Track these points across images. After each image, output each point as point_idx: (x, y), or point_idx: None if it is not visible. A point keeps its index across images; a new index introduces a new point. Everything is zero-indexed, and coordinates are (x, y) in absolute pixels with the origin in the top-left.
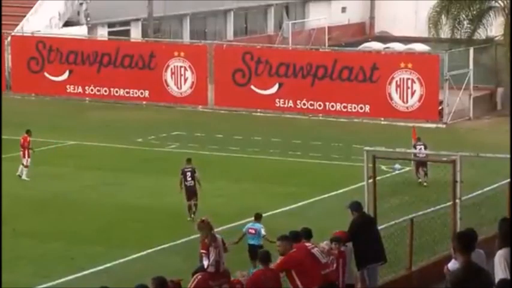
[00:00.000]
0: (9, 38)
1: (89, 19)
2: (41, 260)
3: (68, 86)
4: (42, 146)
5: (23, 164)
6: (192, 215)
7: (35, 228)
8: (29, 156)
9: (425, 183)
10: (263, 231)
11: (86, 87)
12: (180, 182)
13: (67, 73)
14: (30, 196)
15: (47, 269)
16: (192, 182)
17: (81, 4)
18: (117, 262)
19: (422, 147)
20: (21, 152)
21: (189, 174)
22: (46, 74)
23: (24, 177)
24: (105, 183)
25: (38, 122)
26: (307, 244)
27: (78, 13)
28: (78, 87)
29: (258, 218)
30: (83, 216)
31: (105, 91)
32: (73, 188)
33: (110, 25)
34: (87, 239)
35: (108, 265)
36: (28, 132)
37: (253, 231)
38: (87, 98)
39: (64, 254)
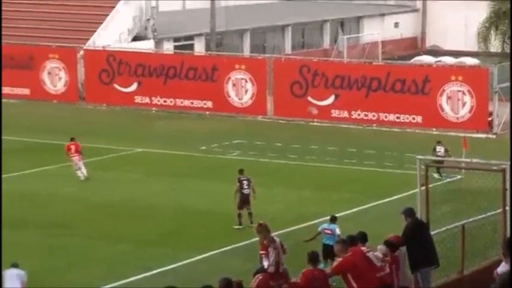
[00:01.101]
0: (82, 52)
1: (155, 34)
2: (111, 261)
3: (136, 97)
4: (112, 153)
5: (79, 168)
6: (250, 223)
7: (106, 231)
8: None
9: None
10: (338, 231)
11: (153, 98)
12: (236, 190)
13: (135, 85)
14: (101, 201)
15: (117, 270)
16: (248, 190)
17: (148, 20)
18: (182, 263)
19: (442, 149)
20: (76, 157)
21: (245, 182)
22: (116, 86)
23: (82, 178)
24: (171, 188)
25: (108, 130)
26: (362, 248)
27: (146, 28)
28: (145, 98)
29: (333, 219)
30: (151, 219)
31: (171, 102)
32: (141, 193)
33: (175, 40)
34: (155, 241)
35: (174, 266)
36: (74, 139)
37: (329, 232)
38: (153, 108)
39: (132, 256)
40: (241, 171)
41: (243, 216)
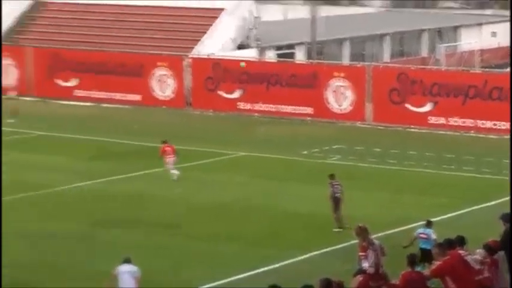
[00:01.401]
0: (189, 60)
1: (258, 43)
2: (214, 260)
3: (239, 103)
4: (217, 157)
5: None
6: (346, 225)
7: (210, 231)
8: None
9: None
10: (433, 236)
11: (256, 104)
12: (331, 195)
13: (239, 91)
14: (207, 202)
15: (220, 269)
16: (340, 194)
17: (251, 29)
18: (284, 263)
19: None
20: (172, 159)
21: (338, 187)
22: (220, 92)
23: (175, 178)
24: (274, 191)
25: (214, 135)
26: (460, 251)
27: (249, 37)
28: (248, 104)
29: (429, 224)
30: (254, 221)
31: (273, 108)
32: (244, 195)
33: (278, 48)
34: (257, 242)
35: (276, 266)
36: (167, 141)
37: (424, 236)
38: (256, 114)
39: (236, 256)
40: (332, 176)
41: (340, 219)
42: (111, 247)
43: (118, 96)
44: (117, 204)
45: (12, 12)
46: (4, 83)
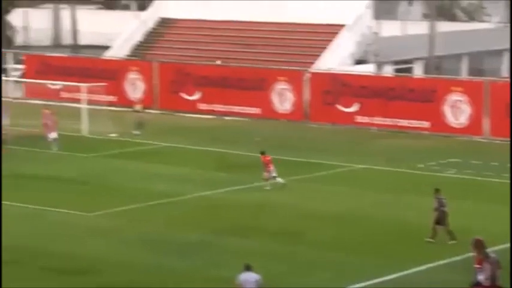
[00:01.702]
0: (308, 74)
1: (377, 57)
2: (333, 268)
3: (357, 117)
4: (336, 169)
5: (267, 178)
6: (451, 240)
7: (330, 239)
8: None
9: None
10: None
11: (373, 118)
12: (435, 208)
13: (357, 105)
14: (327, 211)
15: (340, 277)
16: (446, 208)
17: (370, 45)
18: (399, 274)
19: None
20: (272, 168)
21: (444, 201)
22: (338, 106)
23: (268, 187)
24: (388, 203)
25: (331, 147)
26: None
27: (367, 52)
28: (366, 118)
29: None
30: (369, 231)
31: (391, 121)
32: (360, 205)
33: (396, 63)
34: (373, 252)
35: (392, 276)
36: (264, 152)
37: None
38: (374, 127)
39: (353, 264)
40: (437, 191)
41: (439, 233)
42: (232, 254)
43: (239, 109)
44: (238, 213)
45: (141, 28)
46: (131, 96)
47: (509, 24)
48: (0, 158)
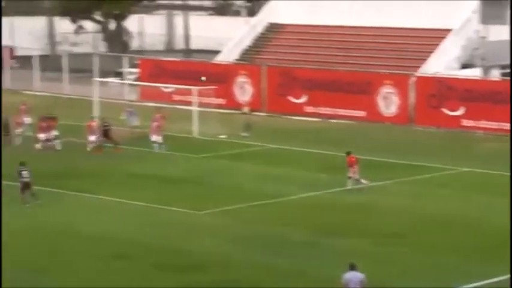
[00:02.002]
0: (414, 78)
1: (484, 62)
2: (439, 270)
3: (463, 120)
4: (440, 171)
5: (351, 177)
6: None
7: (434, 242)
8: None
9: None
10: None
11: (479, 122)
12: None
13: (462, 109)
14: (431, 214)
15: (444, 280)
16: None
17: (476, 49)
18: (505, 277)
19: None
20: (355, 169)
21: None
22: (444, 110)
23: (349, 187)
24: (495, 206)
25: (437, 150)
26: None
27: (473, 56)
28: (472, 122)
29: None
30: (474, 233)
31: (497, 125)
32: (466, 208)
33: (503, 67)
34: (479, 255)
35: (497, 279)
36: (350, 152)
37: None
38: (480, 131)
39: (456, 268)
40: None
41: None
42: (337, 254)
43: (345, 112)
44: (343, 214)
45: (250, 33)
46: (240, 99)
47: None
48: (0, 158)
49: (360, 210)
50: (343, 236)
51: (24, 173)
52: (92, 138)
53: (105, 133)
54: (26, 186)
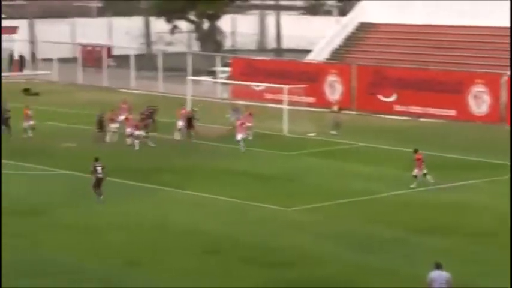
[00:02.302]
0: (506, 77)
1: None
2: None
3: None
4: None
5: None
6: None
7: None
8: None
9: None
10: None
11: None
12: None
13: None
14: None
15: None
16: None
17: None
18: None
19: None
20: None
21: None
22: None
23: (414, 185)
24: None
25: None
26: None
27: None
28: None
29: None
30: None
31: None
32: None
33: None
34: None
35: None
36: (417, 150)
37: None
38: None
39: None
40: None
41: None
42: (426, 252)
43: (435, 111)
44: (431, 212)
45: (341, 32)
46: (330, 97)
47: None
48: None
49: (451, 208)
50: (432, 234)
51: (99, 169)
52: (180, 123)
53: (189, 122)
54: (98, 181)
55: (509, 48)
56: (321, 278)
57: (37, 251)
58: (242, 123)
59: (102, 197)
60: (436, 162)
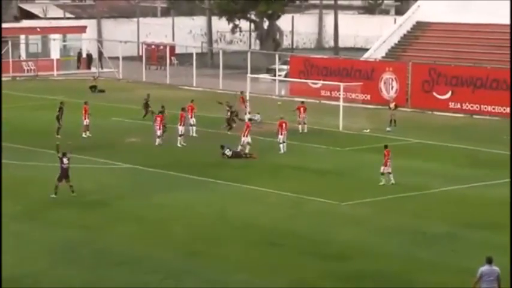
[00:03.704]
0: None
1: None
2: None
3: None
4: None
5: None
6: None
7: None
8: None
9: None
10: None
11: None
12: None
13: None
14: None
15: None
16: None
17: None
18: None
19: None
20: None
21: None
22: None
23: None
24: None
25: None
26: None
27: None
28: None
29: None
30: None
31: None
32: None
33: None
34: None
35: None
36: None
37: None
38: None
39: None
40: None
41: None
42: (478, 247)
43: (489, 108)
44: (484, 208)
45: (398, 31)
46: (385, 95)
47: None
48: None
49: (503, 204)
50: (484, 229)
51: (65, 160)
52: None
53: (230, 116)
54: (64, 172)
55: None
56: (375, 271)
57: (102, 242)
58: (283, 123)
59: (55, 195)
60: (490, 158)
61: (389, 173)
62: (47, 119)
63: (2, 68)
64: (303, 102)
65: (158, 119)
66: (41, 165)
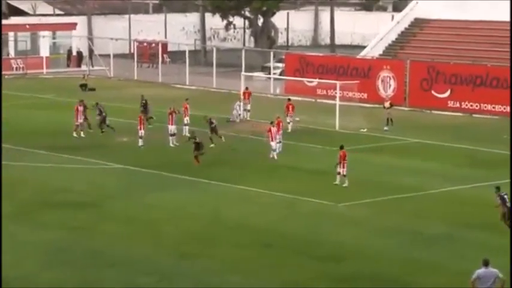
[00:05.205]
0: None
1: None
2: None
3: None
4: None
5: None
6: None
7: None
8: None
9: None
10: None
11: None
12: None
13: None
14: None
15: None
16: None
17: None
18: None
19: None
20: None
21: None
22: None
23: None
24: None
25: None
26: None
27: None
28: None
29: None
30: None
31: None
32: None
33: None
34: None
35: None
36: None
37: None
38: None
39: None
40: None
41: None
42: (476, 248)
43: (489, 107)
44: (483, 209)
45: (395, 28)
46: (382, 93)
47: None
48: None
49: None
50: (483, 230)
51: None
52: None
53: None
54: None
55: None
56: (371, 273)
57: (94, 243)
58: (276, 130)
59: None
60: (490, 158)
61: (344, 175)
62: (38, 118)
63: (1, 68)
64: (289, 99)
65: (140, 118)
66: (31, 165)
